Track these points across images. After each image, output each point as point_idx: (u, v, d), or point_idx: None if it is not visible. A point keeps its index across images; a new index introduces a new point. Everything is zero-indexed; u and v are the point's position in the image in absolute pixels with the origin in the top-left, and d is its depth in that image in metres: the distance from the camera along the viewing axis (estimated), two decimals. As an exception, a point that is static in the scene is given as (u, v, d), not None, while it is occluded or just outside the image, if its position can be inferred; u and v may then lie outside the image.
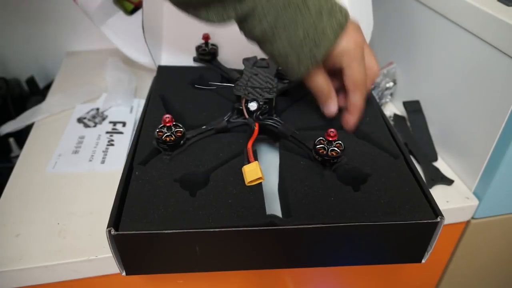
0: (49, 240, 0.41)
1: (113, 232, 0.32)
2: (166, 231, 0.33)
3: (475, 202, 0.49)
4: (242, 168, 0.38)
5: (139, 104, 0.61)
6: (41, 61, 0.77)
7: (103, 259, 0.40)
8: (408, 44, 0.59)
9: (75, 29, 0.75)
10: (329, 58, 0.39)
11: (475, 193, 0.50)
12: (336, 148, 0.39)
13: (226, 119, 0.44)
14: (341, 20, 0.37)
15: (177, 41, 0.58)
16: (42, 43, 0.75)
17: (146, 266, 0.35)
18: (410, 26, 0.58)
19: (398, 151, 0.43)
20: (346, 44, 0.38)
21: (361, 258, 0.38)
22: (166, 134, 0.39)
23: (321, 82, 0.41)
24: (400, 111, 0.62)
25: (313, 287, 0.53)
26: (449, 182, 0.51)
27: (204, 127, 0.43)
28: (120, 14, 0.63)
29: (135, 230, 0.33)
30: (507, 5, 0.44)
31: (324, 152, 0.38)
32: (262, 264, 0.37)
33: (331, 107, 0.44)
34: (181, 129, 0.40)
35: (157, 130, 0.40)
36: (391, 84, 0.63)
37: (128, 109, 0.60)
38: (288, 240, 0.35)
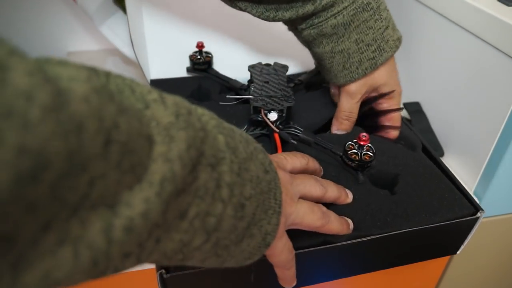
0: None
1: (165, 275, 0.30)
2: None
3: (475, 202, 0.49)
4: None
5: (139, 104, 0.61)
6: (41, 61, 0.77)
7: (103, 259, 0.40)
8: (408, 44, 0.59)
9: (75, 29, 0.75)
10: (375, 77, 0.40)
11: (475, 193, 0.50)
12: (368, 152, 0.38)
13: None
14: (400, 37, 0.40)
15: (161, 52, 0.56)
16: (42, 43, 0.75)
17: None
18: (410, 26, 0.58)
19: (417, 143, 0.43)
20: (397, 92, 0.41)
21: (402, 259, 0.38)
22: None
23: (362, 94, 0.42)
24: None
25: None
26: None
27: None
28: (120, 14, 0.63)
29: (188, 268, 0.30)
30: (507, 5, 0.44)
31: (357, 157, 0.38)
32: (313, 279, 0.37)
33: (345, 127, 0.44)
34: None
35: None
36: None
37: (128, 109, 0.60)
38: (339, 254, 0.35)
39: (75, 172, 0.14)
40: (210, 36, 0.55)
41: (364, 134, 0.38)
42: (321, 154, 0.41)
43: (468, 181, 0.50)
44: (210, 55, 0.54)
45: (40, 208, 0.13)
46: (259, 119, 0.41)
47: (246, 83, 0.50)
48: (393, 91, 0.42)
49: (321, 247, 0.33)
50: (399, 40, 0.40)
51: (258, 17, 0.38)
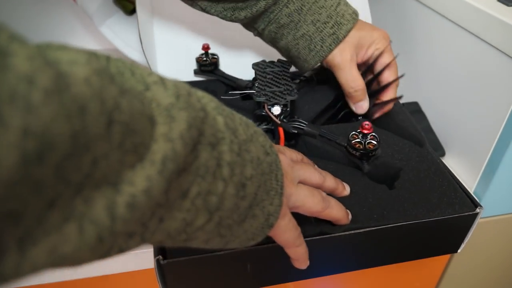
0: (49, 240, 0.41)
1: (162, 261, 0.30)
2: (218, 253, 0.31)
3: (475, 202, 0.49)
4: None
5: (139, 104, 0.61)
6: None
7: (103, 259, 0.40)
8: (408, 44, 0.59)
9: (75, 29, 0.75)
10: (361, 43, 0.42)
11: (475, 193, 0.50)
12: (372, 141, 0.38)
13: None
14: (355, 11, 0.42)
15: (170, 55, 0.56)
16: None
17: None
18: (410, 26, 0.58)
19: (423, 139, 0.42)
20: (377, 34, 0.43)
21: (402, 255, 0.38)
22: None
23: (350, 59, 0.42)
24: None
25: (313, 287, 0.53)
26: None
27: None
28: (120, 14, 0.63)
29: (184, 255, 0.31)
30: (507, 5, 0.44)
31: (361, 146, 0.38)
32: (312, 272, 0.37)
33: (364, 105, 0.44)
34: None
35: None
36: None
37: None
38: (337, 247, 0.35)
39: (78, 152, 0.14)
40: (216, 38, 0.55)
41: (367, 122, 0.38)
42: (325, 146, 0.41)
43: (468, 181, 0.50)
44: (216, 57, 0.55)
45: (45, 187, 0.14)
46: (263, 113, 0.42)
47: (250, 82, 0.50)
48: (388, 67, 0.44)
49: (317, 237, 0.33)
50: (355, 13, 0.42)
51: (217, 15, 0.40)
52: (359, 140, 0.38)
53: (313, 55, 0.42)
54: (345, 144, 0.39)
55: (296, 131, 0.41)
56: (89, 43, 0.77)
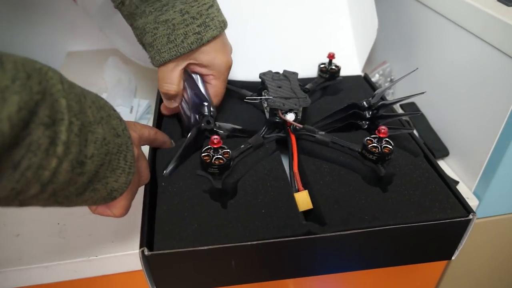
0: (49, 240, 0.41)
1: (147, 252, 0.31)
2: (203, 248, 0.31)
3: (475, 202, 0.49)
4: (295, 195, 0.37)
5: (139, 104, 0.61)
6: (41, 61, 0.77)
7: (103, 259, 0.40)
8: (408, 44, 0.59)
9: (75, 29, 0.75)
10: (202, 60, 0.40)
11: (475, 193, 0.50)
12: (387, 145, 0.39)
13: (262, 135, 0.43)
14: (225, 20, 0.40)
15: None
16: (42, 43, 0.75)
17: (178, 284, 0.35)
18: (410, 26, 0.58)
19: (418, 149, 0.43)
20: (221, 60, 0.41)
21: (393, 259, 0.38)
22: (215, 157, 0.37)
23: (180, 74, 0.41)
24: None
25: (314, 287, 0.53)
26: (454, 182, 0.51)
27: (243, 146, 0.41)
28: (121, 14, 0.63)
29: (170, 248, 0.31)
30: (507, 5, 0.44)
31: (378, 150, 0.38)
32: (298, 272, 0.37)
33: (171, 104, 0.44)
34: (228, 151, 0.38)
35: (203, 154, 0.37)
36: (388, 83, 0.63)
37: (128, 109, 0.60)
38: (325, 247, 0.35)
39: None
40: None
41: (383, 127, 0.39)
42: (322, 150, 0.41)
43: (468, 181, 0.50)
44: None
45: None
46: (277, 120, 0.42)
47: (255, 92, 0.50)
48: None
49: (304, 237, 0.33)
50: (224, 22, 0.40)
51: None
52: (374, 144, 0.39)
53: (169, 48, 0.38)
54: (359, 150, 0.40)
55: (315, 136, 0.41)
56: (89, 43, 0.77)
